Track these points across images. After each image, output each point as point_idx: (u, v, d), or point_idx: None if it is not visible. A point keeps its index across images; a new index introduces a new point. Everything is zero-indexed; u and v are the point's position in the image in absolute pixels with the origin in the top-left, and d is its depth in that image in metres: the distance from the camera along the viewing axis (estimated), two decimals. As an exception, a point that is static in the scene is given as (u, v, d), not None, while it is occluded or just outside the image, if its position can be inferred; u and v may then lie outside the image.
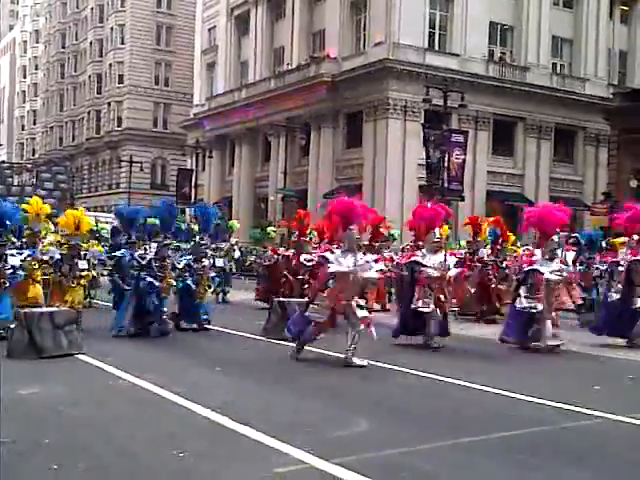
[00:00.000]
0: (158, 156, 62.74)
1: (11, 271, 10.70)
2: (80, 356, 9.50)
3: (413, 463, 5.25)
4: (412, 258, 11.56)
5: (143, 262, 11.92)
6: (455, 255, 14.36)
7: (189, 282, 12.40)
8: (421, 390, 8.09)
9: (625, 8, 43.29)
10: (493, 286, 15.21)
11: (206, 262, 12.77)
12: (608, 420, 6.65)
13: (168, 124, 62.98)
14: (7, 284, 10.64)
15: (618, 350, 11.55)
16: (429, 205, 12.01)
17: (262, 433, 5.81)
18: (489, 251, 15.68)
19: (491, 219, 16.86)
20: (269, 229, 21.15)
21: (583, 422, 6.62)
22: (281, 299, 12.51)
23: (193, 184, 47.93)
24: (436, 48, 37.37)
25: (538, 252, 11.37)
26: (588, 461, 5.47)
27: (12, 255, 10.84)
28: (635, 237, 11.91)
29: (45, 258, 11.26)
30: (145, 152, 60.87)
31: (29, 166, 73.80)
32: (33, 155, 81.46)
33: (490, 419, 6.69)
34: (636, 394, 8.21)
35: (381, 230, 17.18)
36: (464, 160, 31.80)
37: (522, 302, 11.12)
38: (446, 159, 30.60)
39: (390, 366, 9.23)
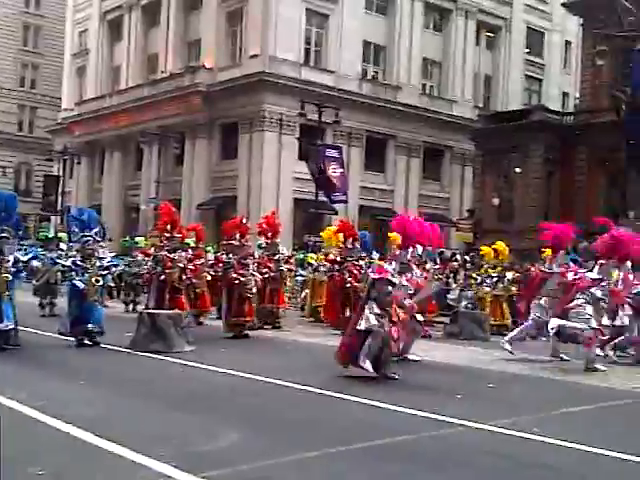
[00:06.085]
0: (23, 161, 59.98)
1: None
2: None
3: (281, 475, 5.24)
4: None
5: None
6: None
7: (76, 282, 11.69)
8: (292, 402, 8.10)
9: (490, 35, 45.60)
10: None
11: (95, 261, 12.04)
12: (469, 428, 6.90)
13: (34, 128, 60.35)
14: None
15: (467, 359, 12.08)
16: None
17: (126, 448, 5.62)
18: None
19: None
20: (138, 238, 20.87)
21: (446, 430, 6.83)
22: (149, 310, 12.18)
23: (60, 191, 46.29)
24: (312, 64, 37.89)
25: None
26: (452, 469, 5.64)
27: None
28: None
29: None
30: (9, 156, 58.12)
31: None
32: None
33: (357, 428, 6.77)
34: (495, 401, 8.57)
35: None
36: (342, 173, 32.34)
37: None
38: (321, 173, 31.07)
39: (263, 378, 9.20)
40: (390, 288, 9.45)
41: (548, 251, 15.88)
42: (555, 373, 10.97)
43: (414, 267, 11.41)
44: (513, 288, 18.04)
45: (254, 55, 36.47)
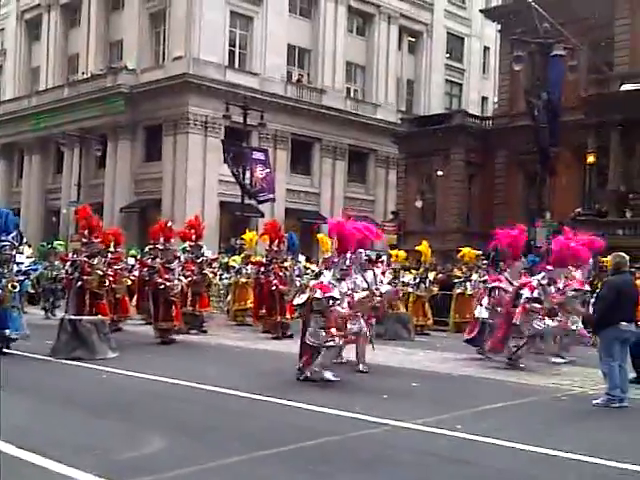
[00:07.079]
0: None
1: None
2: None
3: (207, 480, 5.22)
4: None
5: None
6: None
7: None
8: (219, 407, 8.06)
9: (412, 39, 46.30)
10: None
11: (12, 266, 11.71)
12: (395, 427, 7.02)
13: (-53, 129, 58.03)
14: None
15: (392, 359, 12.29)
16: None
17: (48, 458, 5.49)
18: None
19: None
20: (56, 243, 20.30)
21: (372, 430, 6.92)
22: (71, 316, 11.88)
23: (-24, 195, 44.76)
24: (236, 66, 37.72)
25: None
26: (378, 467, 5.73)
27: None
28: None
29: None
30: None
31: None
32: None
33: (284, 431, 6.80)
34: (419, 400, 8.74)
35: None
36: (269, 173, 32.18)
37: None
38: (248, 176, 30.84)
39: (188, 383, 9.12)
40: (331, 302, 9.54)
41: (464, 250, 16.39)
42: (478, 371, 11.25)
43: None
44: (435, 289, 18.39)
45: (178, 57, 36.06)
